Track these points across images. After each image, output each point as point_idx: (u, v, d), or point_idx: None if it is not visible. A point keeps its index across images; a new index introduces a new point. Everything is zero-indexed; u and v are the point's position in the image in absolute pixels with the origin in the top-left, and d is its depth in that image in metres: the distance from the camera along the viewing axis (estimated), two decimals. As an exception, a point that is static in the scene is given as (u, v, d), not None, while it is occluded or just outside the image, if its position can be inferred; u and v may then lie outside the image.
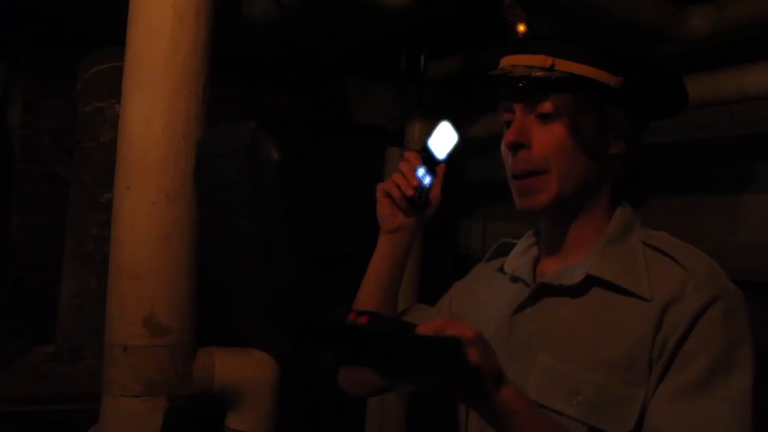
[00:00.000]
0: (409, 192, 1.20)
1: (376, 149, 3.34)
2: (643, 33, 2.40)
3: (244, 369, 1.75)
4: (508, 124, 1.06)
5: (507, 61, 1.07)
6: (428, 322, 0.83)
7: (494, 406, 0.84)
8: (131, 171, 1.60)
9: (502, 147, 1.08)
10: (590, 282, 1.02)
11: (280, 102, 3.44)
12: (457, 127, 1.23)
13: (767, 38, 2.28)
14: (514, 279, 1.15)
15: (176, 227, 1.59)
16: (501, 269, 1.21)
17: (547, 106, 1.02)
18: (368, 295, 1.28)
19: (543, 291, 1.07)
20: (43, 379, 2.20)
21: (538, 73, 1.01)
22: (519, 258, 1.18)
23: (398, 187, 1.21)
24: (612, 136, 1.04)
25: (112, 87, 2.03)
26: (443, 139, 1.22)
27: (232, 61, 2.64)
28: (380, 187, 1.26)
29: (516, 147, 1.04)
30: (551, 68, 1.01)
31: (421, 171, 1.21)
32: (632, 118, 1.06)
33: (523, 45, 1.05)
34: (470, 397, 0.86)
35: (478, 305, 1.21)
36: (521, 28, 1.06)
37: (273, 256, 0.72)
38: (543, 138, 1.03)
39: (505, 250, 1.24)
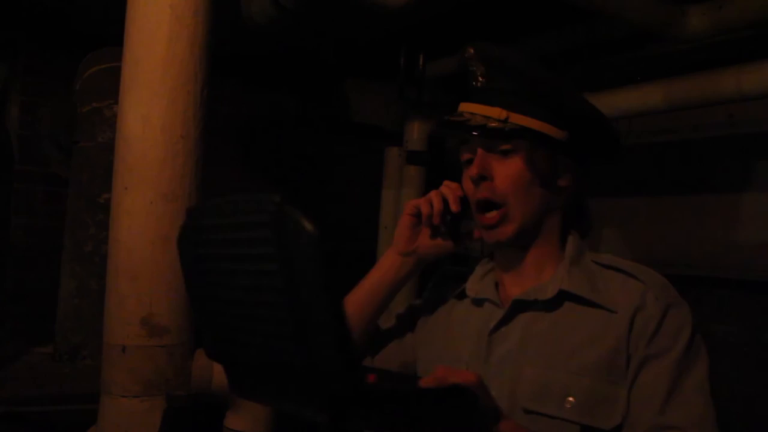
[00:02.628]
0: (455, 207, 1.22)
1: (375, 149, 3.34)
2: (642, 32, 2.40)
3: (242, 369, 1.75)
4: (468, 161, 1.18)
5: (466, 107, 1.19)
6: (428, 374, 0.89)
7: None
8: (129, 171, 1.59)
9: (464, 181, 1.20)
10: (562, 297, 1.15)
11: (279, 102, 3.44)
12: None
13: (765, 38, 2.28)
14: (478, 301, 1.25)
15: (174, 227, 1.59)
16: (459, 296, 1.30)
17: (506, 145, 1.15)
18: (355, 307, 1.29)
19: (518, 308, 1.18)
20: (42, 380, 2.20)
21: (494, 124, 1.14)
22: (479, 283, 1.27)
23: (433, 205, 1.23)
24: (561, 170, 1.18)
25: (111, 87, 2.03)
26: None
27: (231, 60, 2.63)
28: (411, 203, 1.27)
29: (480, 179, 1.16)
30: (506, 120, 1.14)
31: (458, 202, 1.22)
32: (577, 159, 1.20)
33: (481, 95, 1.18)
34: None
35: (445, 331, 1.28)
36: (480, 79, 1.19)
37: (309, 331, 0.69)
38: (503, 171, 1.16)
39: (452, 278, 1.34)
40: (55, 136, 2.83)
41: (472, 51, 1.19)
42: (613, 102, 2.43)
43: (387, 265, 1.29)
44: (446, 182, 1.25)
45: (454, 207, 1.21)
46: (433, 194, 1.24)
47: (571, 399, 1.07)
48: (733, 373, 2.27)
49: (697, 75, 2.24)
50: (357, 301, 1.29)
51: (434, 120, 3.15)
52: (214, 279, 0.83)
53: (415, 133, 3.11)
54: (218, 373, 1.69)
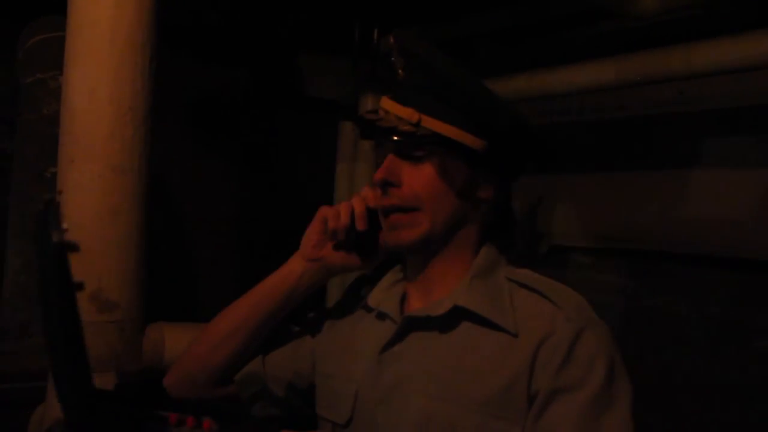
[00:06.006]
0: (360, 225, 1.11)
1: (328, 123, 3.32)
2: (595, 9, 2.43)
3: (195, 345, 1.73)
4: (381, 163, 1.08)
5: (384, 104, 1.08)
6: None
7: None
8: (76, 144, 1.56)
9: (371, 185, 1.08)
10: (458, 315, 1.02)
11: (232, 75, 3.38)
12: None
13: (715, 16, 2.32)
14: (381, 315, 1.12)
15: (124, 201, 1.56)
16: (365, 306, 1.17)
17: (417, 151, 1.04)
18: (242, 311, 1.17)
19: (410, 326, 1.06)
20: (-11, 358, 2.15)
21: (405, 127, 1.02)
22: (384, 293, 1.15)
23: (340, 218, 1.12)
24: (480, 181, 1.07)
25: (55, 57, 1.97)
26: None
27: (181, 32, 2.58)
28: (322, 210, 1.15)
29: (385, 185, 1.05)
30: (417, 124, 1.02)
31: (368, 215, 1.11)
32: (499, 169, 1.08)
33: (399, 92, 1.07)
34: None
35: (345, 346, 1.16)
36: (400, 72, 1.07)
37: (53, 342, 0.69)
38: (413, 177, 1.04)
39: (369, 284, 1.21)
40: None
41: (392, 40, 1.09)
42: (566, 78, 2.45)
43: (287, 269, 1.17)
44: (365, 189, 1.12)
45: (359, 225, 1.09)
46: (343, 206, 1.12)
47: None
48: (677, 346, 2.34)
49: (647, 52, 2.27)
50: (247, 304, 1.16)
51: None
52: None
53: (369, 107, 3.10)
54: (170, 347, 1.67)
